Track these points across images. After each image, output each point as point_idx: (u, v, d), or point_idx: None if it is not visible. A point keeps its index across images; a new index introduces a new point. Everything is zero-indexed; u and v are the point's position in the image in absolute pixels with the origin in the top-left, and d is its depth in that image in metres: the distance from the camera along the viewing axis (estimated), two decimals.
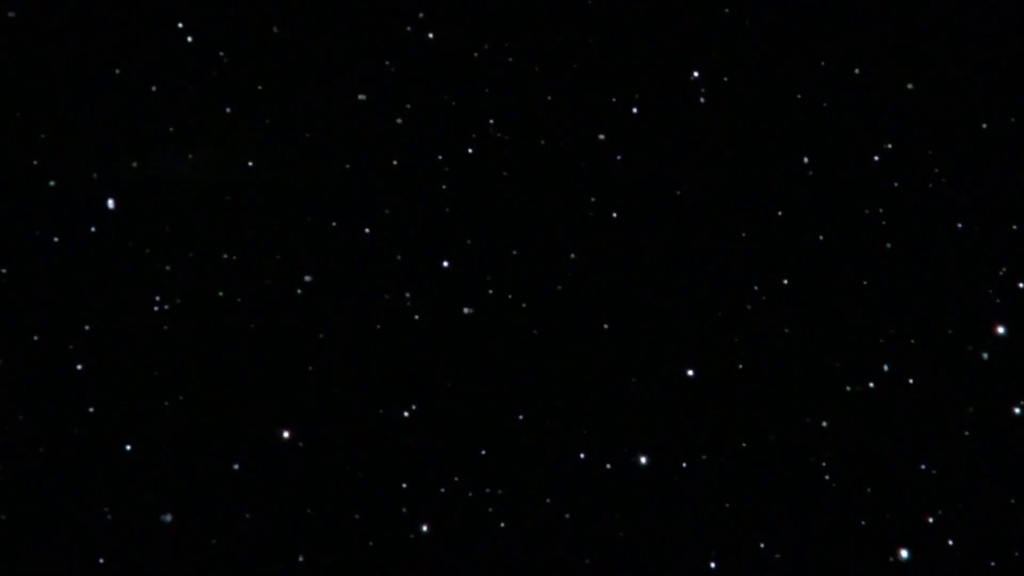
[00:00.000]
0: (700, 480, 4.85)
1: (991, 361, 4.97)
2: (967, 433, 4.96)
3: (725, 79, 4.92)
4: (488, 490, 4.71)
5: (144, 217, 4.52)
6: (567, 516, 4.75)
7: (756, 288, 4.93)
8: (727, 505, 4.84)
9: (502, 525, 4.71)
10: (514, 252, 4.83)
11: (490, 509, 4.71)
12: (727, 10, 4.95)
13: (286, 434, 4.59)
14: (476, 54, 4.76)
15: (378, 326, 4.69)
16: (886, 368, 4.96)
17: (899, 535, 4.92)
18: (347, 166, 4.69)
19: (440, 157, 4.75)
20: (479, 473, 4.72)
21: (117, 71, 4.48)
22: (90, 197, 4.47)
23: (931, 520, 4.91)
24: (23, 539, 4.39)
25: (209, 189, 4.55)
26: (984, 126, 5.04)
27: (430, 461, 4.70)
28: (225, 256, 4.58)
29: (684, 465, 4.84)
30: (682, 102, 4.92)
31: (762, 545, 4.85)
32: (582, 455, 4.79)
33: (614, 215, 4.86)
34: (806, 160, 4.97)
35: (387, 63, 4.70)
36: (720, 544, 4.83)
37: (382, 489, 4.67)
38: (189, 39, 4.53)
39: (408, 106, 4.73)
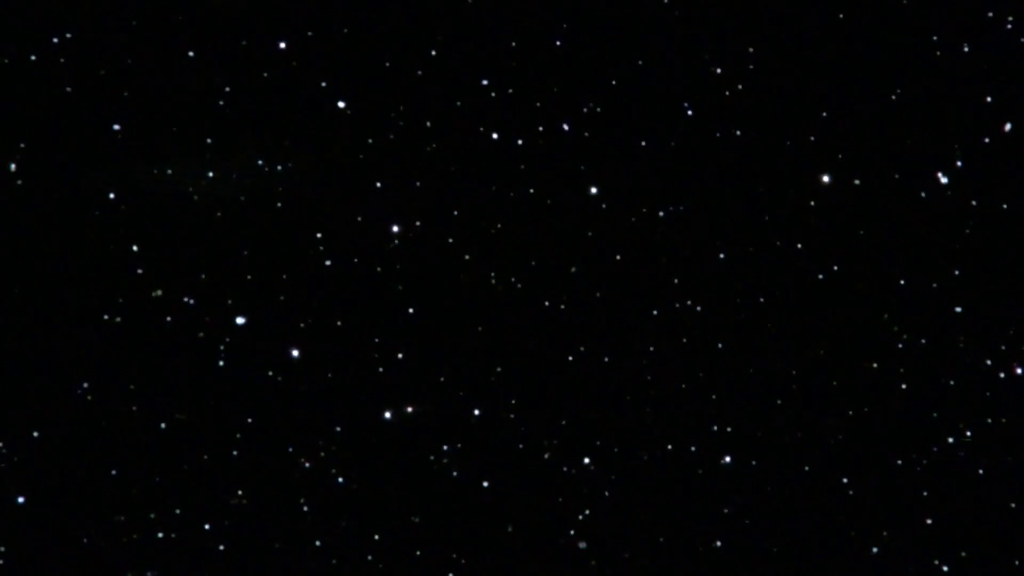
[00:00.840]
0: (713, 483, 4.85)
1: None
2: (984, 441, 4.92)
3: (740, 87, 4.91)
4: (499, 493, 4.74)
5: (157, 228, 4.56)
6: (580, 517, 4.78)
7: (779, 293, 4.92)
8: (740, 509, 4.84)
9: (510, 528, 4.74)
10: (534, 262, 4.85)
11: (502, 511, 4.74)
12: (749, 19, 4.94)
13: (304, 459, 4.63)
14: (489, 61, 4.79)
15: (389, 335, 4.73)
16: (902, 369, 4.94)
17: (909, 540, 4.89)
18: (356, 178, 4.72)
19: (452, 169, 4.77)
20: (489, 479, 4.75)
21: (133, 84, 4.52)
22: (100, 208, 4.52)
23: (945, 526, 4.89)
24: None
25: (222, 202, 4.59)
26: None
27: (442, 466, 4.74)
28: (249, 278, 4.60)
29: (700, 472, 4.85)
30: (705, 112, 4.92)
31: (775, 550, 4.85)
32: (588, 459, 4.81)
33: (633, 219, 4.86)
34: (825, 174, 4.95)
35: (403, 73, 4.72)
36: (732, 546, 4.84)
37: (393, 498, 4.72)
38: (202, 49, 4.57)
39: (425, 118, 4.75)
